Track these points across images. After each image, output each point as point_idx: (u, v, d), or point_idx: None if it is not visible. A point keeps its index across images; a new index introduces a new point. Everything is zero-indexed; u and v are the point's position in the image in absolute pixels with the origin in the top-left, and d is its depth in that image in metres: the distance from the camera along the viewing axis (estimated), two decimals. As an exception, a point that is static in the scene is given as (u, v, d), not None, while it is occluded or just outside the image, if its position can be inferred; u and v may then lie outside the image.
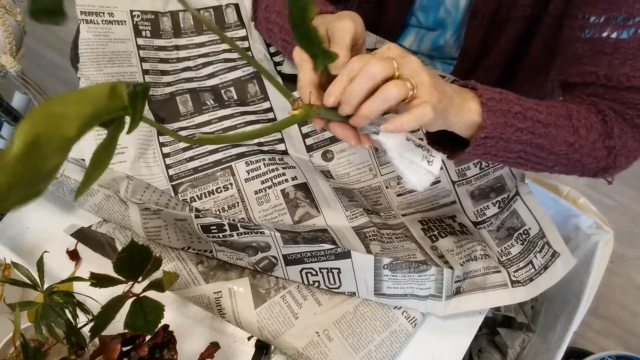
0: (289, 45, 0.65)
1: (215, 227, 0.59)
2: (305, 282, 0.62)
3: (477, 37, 0.71)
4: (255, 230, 0.58)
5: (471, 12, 0.68)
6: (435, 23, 0.75)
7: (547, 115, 0.50)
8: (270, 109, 0.75)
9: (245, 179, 0.68)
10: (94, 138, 0.68)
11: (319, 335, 0.59)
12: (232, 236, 0.59)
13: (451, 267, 0.60)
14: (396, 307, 0.62)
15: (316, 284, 0.62)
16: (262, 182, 0.68)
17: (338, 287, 0.62)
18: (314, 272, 0.61)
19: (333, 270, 0.61)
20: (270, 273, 0.63)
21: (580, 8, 0.58)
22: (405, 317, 0.62)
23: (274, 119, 0.75)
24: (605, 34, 0.55)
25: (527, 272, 0.62)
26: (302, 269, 0.61)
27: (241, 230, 0.58)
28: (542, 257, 0.62)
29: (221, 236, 0.59)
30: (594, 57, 0.56)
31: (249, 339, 0.62)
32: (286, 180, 0.68)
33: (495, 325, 0.90)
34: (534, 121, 0.49)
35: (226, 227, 0.58)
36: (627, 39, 0.54)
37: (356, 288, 0.61)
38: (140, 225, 0.62)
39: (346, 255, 0.59)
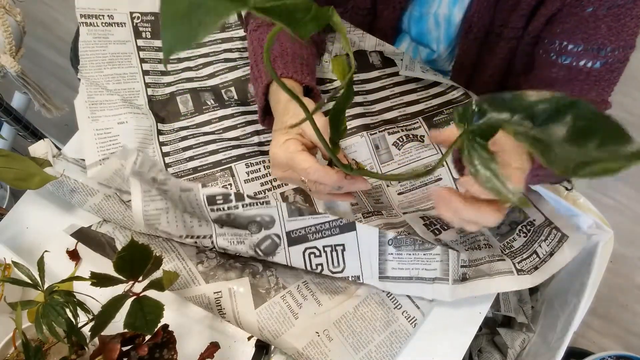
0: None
1: (221, 197, 0.58)
2: (308, 266, 0.61)
3: (472, 52, 0.72)
4: (261, 201, 0.58)
5: (466, 27, 0.69)
6: (418, 35, 0.76)
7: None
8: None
9: (245, 180, 0.68)
10: (94, 140, 0.68)
11: (319, 335, 0.59)
12: (237, 207, 0.58)
13: (457, 251, 0.60)
14: (396, 307, 0.62)
15: (319, 267, 0.61)
16: (262, 184, 0.68)
17: (342, 270, 0.61)
18: (317, 253, 0.61)
19: (337, 247, 0.60)
20: (272, 257, 0.62)
21: (559, 35, 0.61)
22: (405, 317, 0.62)
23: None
24: (582, 63, 0.60)
25: (531, 261, 0.62)
26: (305, 249, 0.60)
27: (247, 200, 0.58)
28: (548, 245, 0.62)
29: (226, 208, 0.59)
30: (567, 84, 0.61)
31: (249, 339, 0.62)
32: (286, 184, 0.68)
33: (495, 325, 0.90)
34: (536, 176, 0.53)
35: (232, 196, 0.58)
36: (598, 68, 0.59)
37: (360, 270, 0.61)
38: (141, 210, 0.61)
39: (351, 227, 0.59)
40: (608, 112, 0.61)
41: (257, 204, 0.58)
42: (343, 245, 0.60)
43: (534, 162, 0.50)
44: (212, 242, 0.62)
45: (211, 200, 0.58)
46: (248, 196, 0.58)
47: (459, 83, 0.77)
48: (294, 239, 0.60)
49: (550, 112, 0.32)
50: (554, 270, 0.61)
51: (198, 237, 0.62)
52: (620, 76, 0.60)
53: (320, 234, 0.60)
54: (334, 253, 0.60)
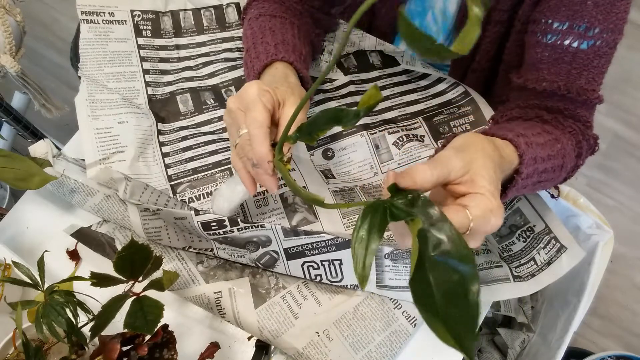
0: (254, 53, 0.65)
1: (215, 224, 0.59)
2: (307, 277, 0.62)
3: None
4: (256, 224, 0.58)
5: (460, 18, 0.69)
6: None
7: (549, 172, 0.52)
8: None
9: None
10: (94, 139, 0.68)
11: (319, 335, 0.59)
12: (233, 232, 0.59)
13: None
14: (396, 307, 0.62)
15: (318, 277, 0.62)
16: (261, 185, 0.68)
17: (340, 280, 0.61)
18: (315, 266, 0.61)
19: (334, 262, 0.61)
20: (272, 269, 0.62)
21: (544, 13, 0.60)
22: (405, 317, 0.62)
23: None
24: (567, 42, 0.58)
25: (528, 268, 0.62)
26: (304, 262, 0.61)
27: (241, 225, 0.58)
28: (546, 254, 0.62)
29: (221, 232, 0.59)
30: (553, 65, 0.59)
31: (249, 339, 0.62)
32: (285, 185, 0.68)
33: (495, 325, 0.90)
34: (539, 182, 0.52)
35: (226, 222, 0.58)
36: (585, 50, 0.57)
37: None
38: (141, 227, 0.62)
39: (347, 245, 0.59)
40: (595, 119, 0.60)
41: (251, 227, 0.58)
42: (340, 260, 0.60)
43: (521, 173, 0.48)
44: (214, 254, 0.63)
45: (206, 226, 0.59)
46: (242, 221, 0.58)
47: (457, 76, 0.77)
48: (292, 255, 0.61)
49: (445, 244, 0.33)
50: (550, 281, 0.60)
51: (200, 249, 0.63)
52: (608, 65, 0.58)
53: (317, 250, 0.60)
54: (332, 267, 0.61)
